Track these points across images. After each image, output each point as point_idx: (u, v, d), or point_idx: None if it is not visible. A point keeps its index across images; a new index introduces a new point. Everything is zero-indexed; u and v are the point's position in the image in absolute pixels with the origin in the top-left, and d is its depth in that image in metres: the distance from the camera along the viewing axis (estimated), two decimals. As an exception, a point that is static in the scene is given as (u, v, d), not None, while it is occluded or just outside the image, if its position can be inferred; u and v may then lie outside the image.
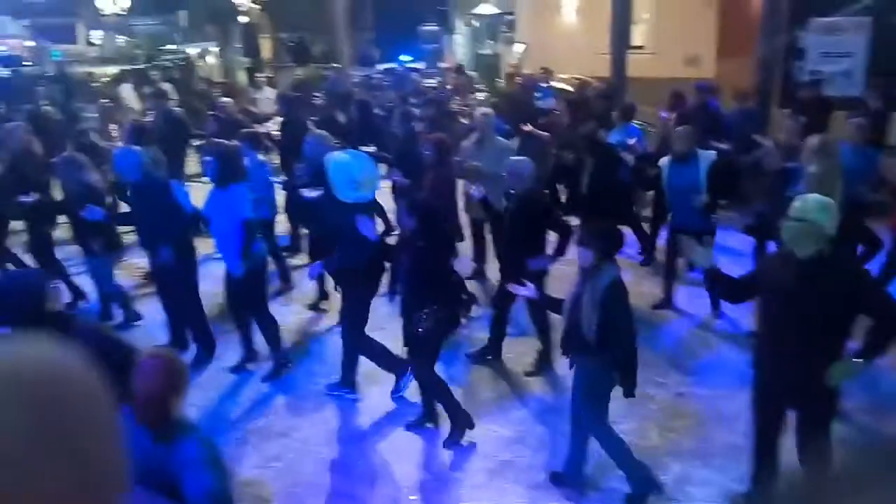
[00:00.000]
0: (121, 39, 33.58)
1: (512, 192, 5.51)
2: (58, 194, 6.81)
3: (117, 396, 2.64)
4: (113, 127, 9.35)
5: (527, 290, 4.60)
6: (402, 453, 4.74)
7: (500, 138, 7.26)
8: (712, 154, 6.41)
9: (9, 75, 20.31)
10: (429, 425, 4.92)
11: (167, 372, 2.66)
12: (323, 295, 6.93)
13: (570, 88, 12.72)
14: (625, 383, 4.02)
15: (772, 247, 5.63)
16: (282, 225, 7.81)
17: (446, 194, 6.48)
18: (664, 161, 6.47)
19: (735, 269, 6.36)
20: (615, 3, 12.47)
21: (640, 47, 14.52)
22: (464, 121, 9.46)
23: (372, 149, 7.87)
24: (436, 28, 16.82)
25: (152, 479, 2.63)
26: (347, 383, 5.37)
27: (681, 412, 5.06)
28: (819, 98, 8.92)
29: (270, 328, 5.74)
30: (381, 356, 5.31)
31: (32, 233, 6.86)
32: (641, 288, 6.76)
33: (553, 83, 12.31)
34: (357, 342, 5.27)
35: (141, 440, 2.70)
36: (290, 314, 6.81)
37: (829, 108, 8.85)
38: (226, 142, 7.90)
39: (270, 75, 15.31)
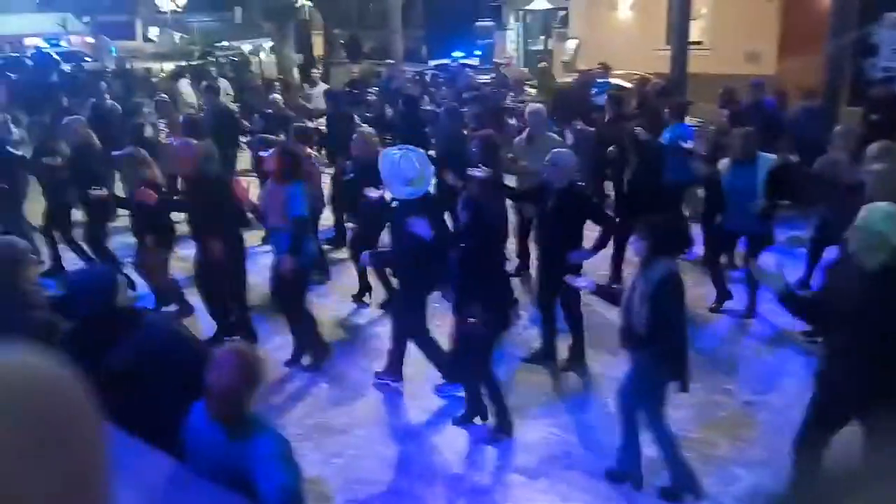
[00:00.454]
0: (177, 36, 34.43)
1: (553, 185, 5.37)
2: (118, 188, 6.94)
3: (189, 391, 2.63)
4: (170, 122, 9.50)
5: (584, 282, 4.45)
6: (455, 450, 4.69)
7: (551, 134, 7.12)
8: (772, 157, 6.21)
9: (72, 71, 20.97)
10: (477, 421, 4.86)
11: (243, 367, 2.64)
12: (366, 287, 6.89)
13: (627, 84, 12.47)
14: (677, 378, 3.95)
15: (829, 253, 5.41)
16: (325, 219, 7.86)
17: (492, 192, 6.42)
18: (724, 162, 6.30)
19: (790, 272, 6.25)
20: (674, -2, 12.14)
21: (697, 43, 14.17)
22: (511, 121, 9.31)
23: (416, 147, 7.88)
24: (491, 24, 16.69)
25: (225, 475, 2.62)
26: (394, 372, 5.37)
27: (749, 421, 4.88)
28: (892, 96, 8.55)
29: (307, 323, 5.77)
30: (435, 352, 5.30)
31: (91, 224, 7.01)
32: (699, 290, 6.56)
33: (610, 79, 12.06)
34: (412, 336, 5.27)
35: (214, 436, 2.70)
36: (332, 306, 6.80)
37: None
38: (272, 137, 8.06)
39: (324, 71, 15.40)
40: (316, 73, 12.98)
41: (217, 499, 2.55)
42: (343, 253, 7.64)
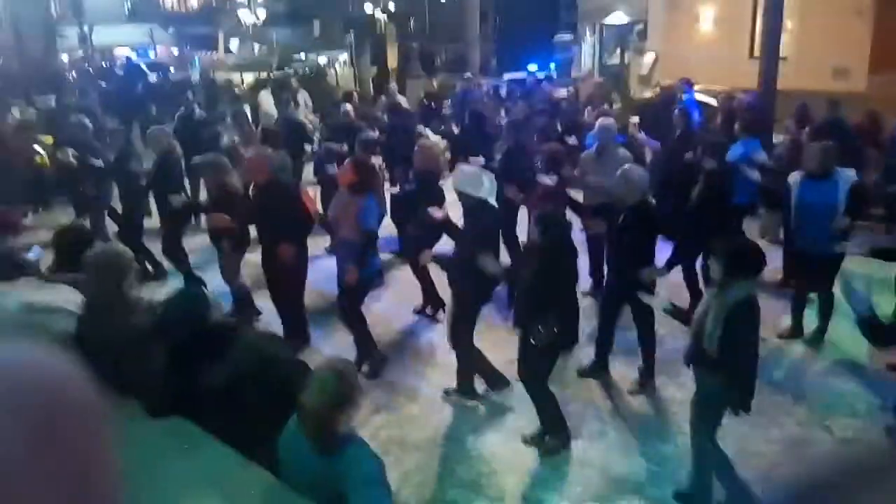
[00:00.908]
0: (256, 47, 35.45)
1: (624, 201, 5.32)
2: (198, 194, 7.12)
3: (284, 407, 2.63)
4: (243, 132, 9.74)
5: (654, 298, 4.41)
6: (527, 470, 4.65)
7: (621, 149, 6.96)
8: (853, 174, 5.87)
9: (158, 81, 21.85)
10: (549, 440, 4.79)
11: (337, 386, 2.63)
12: (432, 299, 6.87)
13: (709, 100, 12.14)
14: (741, 403, 3.90)
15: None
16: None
17: (556, 206, 6.35)
18: (795, 177, 5.96)
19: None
20: (766, 10, 11.76)
21: (782, 57, 13.68)
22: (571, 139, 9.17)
23: (480, 160, 7.88)
24: (569, 37, 16.58)
25: (315, 490, 2.61)
26: (466, 389, 5.36)
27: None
28: None
29: (361, 331, 5.81)
30: (477, 362, 5.33)
31: (168, 229, 7.22)
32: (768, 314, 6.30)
33: (696, 94, 11.76)
34: (462, 345, 5.28)
35: (305, 451, 2.69)
36: (390, 315, 6.84)
37: None
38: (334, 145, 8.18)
39: (400, 84, 15.57)
40: (393, 85, 13.14)
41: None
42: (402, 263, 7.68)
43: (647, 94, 13.90)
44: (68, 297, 3.44)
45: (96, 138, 8.68)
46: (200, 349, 3.08)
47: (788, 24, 14.85)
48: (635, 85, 18.44)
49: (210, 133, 8.52)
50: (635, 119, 10.83)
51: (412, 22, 26.63)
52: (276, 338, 3.84)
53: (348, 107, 9.70)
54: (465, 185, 5.14)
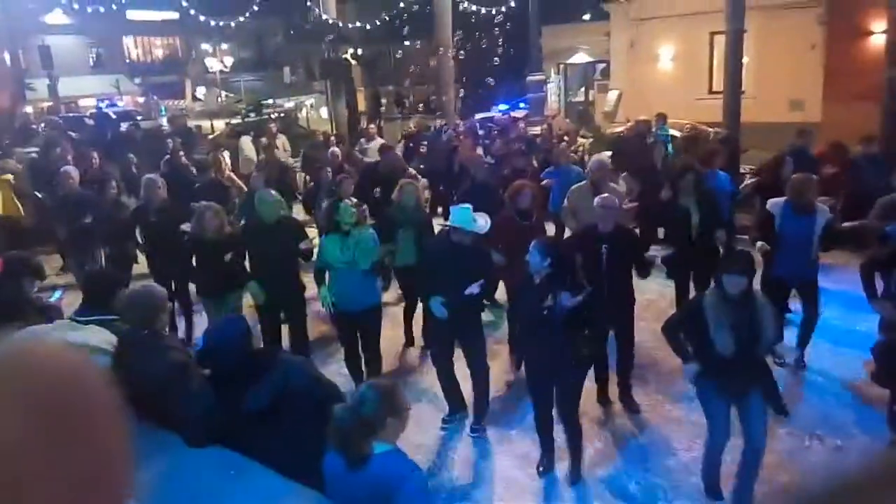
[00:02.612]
0: (223, 94, 35.73)
1: (601, 229, 5.48)
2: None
3: (319, 429, 2.77)
4: (232, 176, 9.87)
5: None
6: (522, 487, 4.81)
7: (613, 185, 7.17)
8: (826, 209, 6.06)
9: (127, 129, 21.87)
10: (573, 467, 4.87)
11: (358, 402, 2.81)
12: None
13: (676, 133, 12.66)
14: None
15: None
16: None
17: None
18: (777, 205, 6.13)
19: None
20: (727, 48, 12.37)
21: (741, 92, 14.34)
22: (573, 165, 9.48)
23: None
24: (541, 77, 17.14)
25: (350, 500, 2.74)
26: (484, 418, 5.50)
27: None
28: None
29: (379, 362, 5.96)
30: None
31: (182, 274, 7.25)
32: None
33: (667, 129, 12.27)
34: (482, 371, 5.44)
35: (338, 466, 2.83)
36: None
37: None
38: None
39: (377, 126, 15.91)
40: (373, 128, 13.42)
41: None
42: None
43: (618, 128, 14.41)
44: (104, 337, 3.54)
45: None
46: (244, 375, 3.21)
47: (746, 60, 15.59)
48: (601, 120, 19.06)
49: (208, 180, 8.58)
50: (607, 153, 11.26)
51: (378, 67, 27.25)
52: (311, 361, 3.96)
53: (335, 150, 9.91)
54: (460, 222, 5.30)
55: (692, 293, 6.47)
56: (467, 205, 5.41)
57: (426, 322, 6.81)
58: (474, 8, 17.32)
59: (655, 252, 5.91)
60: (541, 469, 4.91)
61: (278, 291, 6.04)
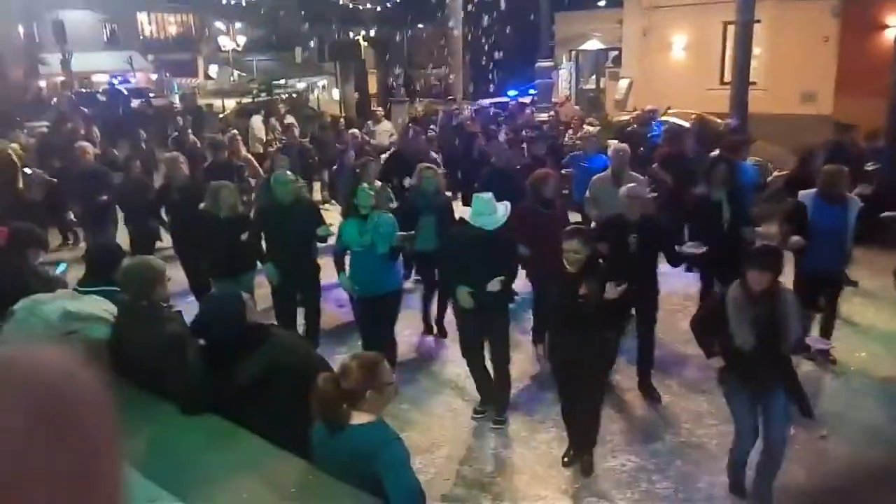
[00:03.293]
0: (236, 73, 35.79)
1: (630, 218, 5.51)
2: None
3: (304, 403, 2.87)
4: (249, 157, 9.95)
5: None
6: (543, 478, 4.83)
7: (633, 174, 7.05)
8: (857, 199, 6.04)
9: (139, 106, 22.00)
10: (587, 456, 4.85)
11: (342, 370, 2.93)
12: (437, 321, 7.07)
13: (684, 123, 12.63)
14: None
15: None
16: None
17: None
18: (808, 196, 6.03)
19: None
20: (736, 39, 12.32)
21: (752, 83, 14.29)
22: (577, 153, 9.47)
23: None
24: (550, 63, 17.10)
25: (349, 476, 2.84)
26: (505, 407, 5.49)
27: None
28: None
29: (394, 349, 5.94)
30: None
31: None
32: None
33: (670, 118, 12.26)
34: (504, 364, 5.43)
35: (322, 433, 2.95)
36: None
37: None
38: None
39: (385, 109, 15.95)
40: (380, 111, 13.46)
41: (340, 493, 2.77)
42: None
43: (625, 116, 14.38)
44: (104, 307, 3.64)
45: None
46: (237, 347, 3.31)
47: (757, 51, 15.49)
48: (611, 109, 19.01)
49: (218, 158, 8.61)
50: (614, 141, 11.27)
51: (390, 49, 27.16)
52: (304, 337, 4.06)
53: (355, 131, 9.94)
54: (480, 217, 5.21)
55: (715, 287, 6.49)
56: (488, 193, 5.30)
57: (442, 311, 6.92)
58: (486, -9, 17.26)
59: (692, 247, 5.82)
60: (566, 460, 4.91)
61: (293, 274, 6.07)
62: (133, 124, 14.75)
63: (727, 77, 16.86)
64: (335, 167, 9.79)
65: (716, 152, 8.32)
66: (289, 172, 6.37)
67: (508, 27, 20.57)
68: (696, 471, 4.78)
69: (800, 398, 4.23)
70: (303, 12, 29.03)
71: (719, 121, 11.48)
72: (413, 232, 6.17)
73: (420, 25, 29.42)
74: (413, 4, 19.17)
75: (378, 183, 7.06)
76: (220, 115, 19.99)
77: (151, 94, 28.14)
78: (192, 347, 3.46)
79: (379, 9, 17.99)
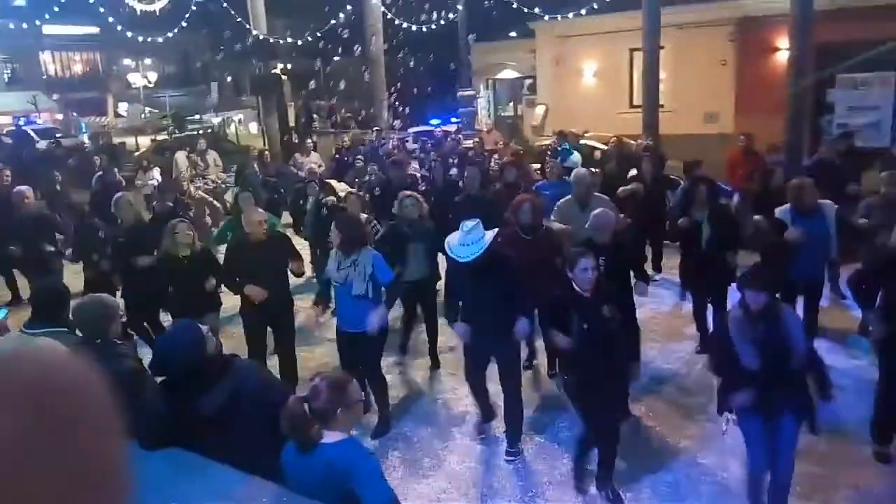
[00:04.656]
0: (146, 110, 34.89)
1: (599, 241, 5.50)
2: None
3: (270, 429, 2.93)
4: (203, 195, 9.80)
5: None
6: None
7: (599, 195, 7.17)
8: (832, 205, 6.29)
9: (48, 147, 21.16)
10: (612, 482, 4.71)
11: (312, 391, 2.99)
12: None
13: (600, 145, 13.23)
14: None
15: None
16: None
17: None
18: (784, 212, 6.22)
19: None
20: (644, 64, 13.05)
21: (660, 106, 15.13)
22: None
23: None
24: (472, 92, 17.58)
25: (322, 495, 2.90)
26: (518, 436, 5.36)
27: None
28: (851, 149, 9.33)
29: (383, 387, 5.78)
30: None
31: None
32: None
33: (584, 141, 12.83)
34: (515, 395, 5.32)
35: (292, 454, 3.00)
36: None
37: (860, 157, 9.29)
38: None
39: (313, 141, 15.98)
40: (310, 143, 13.50)
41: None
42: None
43: (546, 141, 14.92)
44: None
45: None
46: (199, 380, 3.31)
47: (663, 75, 16.40)
48: (529, 134, 19.64)
49: (171, 196, 8.43)
50: (537, 165, 11.70)
51: (308, 82, 27.23)
52: (264, 366, 4.07)
53: (313, 165, 9.89)
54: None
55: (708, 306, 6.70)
56: (473, 220, 5.08)
57: (433, 341, 6.77)
58: (405, 25, 17.64)
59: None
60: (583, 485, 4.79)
61: (267, 311, 5.89)
62: (44, 166, 14.23)
63: (636, 101, 17.76)
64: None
65: (633, 172, 8.84)
66: (260, 209, 6.24)
67: (429, 58, 21.05)
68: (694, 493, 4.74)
69: (810, 416, 4.16)
70: (222, 47, 28.81)
71: (633, 142, 12.08)
72: (399, 267, 6.10)
73: (338, 58, 29.65)
74: (332, 37, 19.37)
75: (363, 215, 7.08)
76: (135, 153, 19.52)
77: (58, 135, 27.12)
78: (150, 382, 3.45)
79: (300, 42, 18.05)
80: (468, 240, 4.96)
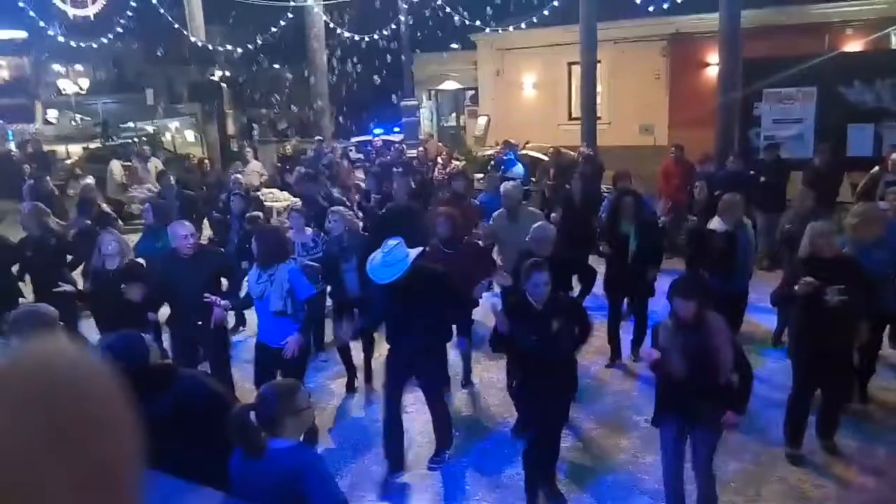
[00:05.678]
0: (77, 118, 33.74)
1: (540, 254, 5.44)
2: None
3: (216, 438, 2.93)
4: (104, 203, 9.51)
5: None
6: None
7: (530, 208, 7.30)
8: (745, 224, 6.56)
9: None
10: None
11: (281, 395, 3.00)
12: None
13: (540, 156, 13.50)
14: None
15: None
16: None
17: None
18: (719, 224, 6.37)
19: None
20: (582, 77, 13.41)
21: (597, 118, 15.57)
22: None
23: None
24: (415, 102, 17.71)
25: (251, 493, 2.91)
26: (447, 448, 5.30)
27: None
28: (777, 160, 9.80)
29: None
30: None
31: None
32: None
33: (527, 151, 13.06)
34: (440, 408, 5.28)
35: (239, 461, 3.00)
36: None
37: (786, 168, 9.76)
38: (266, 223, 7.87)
39: (254, 150, 15.78)
40: (250, 151, 13.33)
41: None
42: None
43: (489, 151, 15.13)
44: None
45: None
46: (142, 389, 3.25)
47: (600, 88, 16.89)
48: (472, 144, 19.88)
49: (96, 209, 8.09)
50: (480, 175, 11.86)
51: (245, 91, 26.89)
52: (209, 375, 4.01)
53: (239, 176, 9.75)
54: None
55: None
56: (395, 239, 4.95)
57: (367, 355, 6.50)
58: (347, 34, 17.63)
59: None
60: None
61: (195, 327, 5.61)
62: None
63: (575, 113, 18.22)
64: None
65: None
66: (186, 222, 5.94)
67: (370, 68, 21.09)
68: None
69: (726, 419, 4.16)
70: (158, 53, 28.18)
71: (572, 153, 12.36)
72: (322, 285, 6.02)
73: (276, 66, 29.37)
74: (273, 47, 19.21)
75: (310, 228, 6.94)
76: (67, 161, 18.89)
77: (-18, 142, 25.95)
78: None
79: (240, 50, 17.83)
80: (390, 259, 4.82)
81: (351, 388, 6.56)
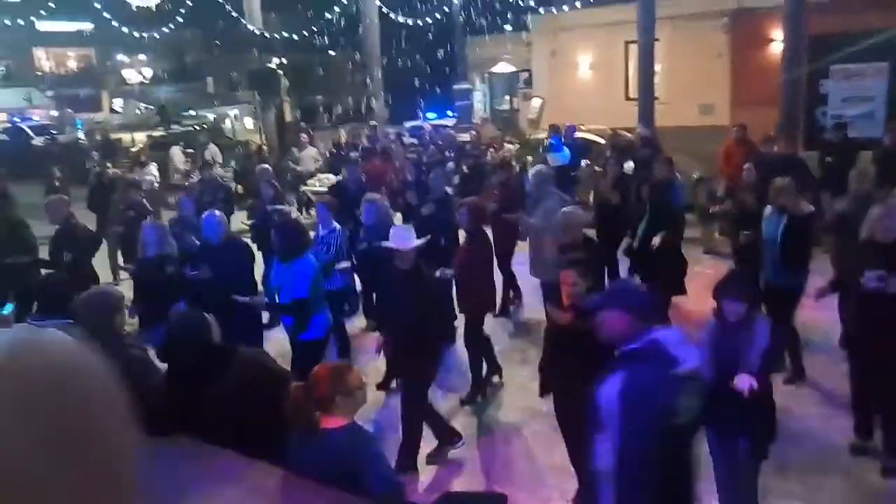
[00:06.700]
0: (142, 106, 34.82)
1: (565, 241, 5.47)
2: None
3: (276, 416, 3.01)
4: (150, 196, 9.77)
5: None
6: None
7: (555, 191, 7.18)
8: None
9: (44, 143, 21.16)
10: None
11: (311, 382, 3.08)
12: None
13: (597, 139, 13.29)
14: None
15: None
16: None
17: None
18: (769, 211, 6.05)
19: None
20: (639, 56, 13.10)
21: (655, 98, 15.18)
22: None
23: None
24: (468, 86, 17.64)
25: (328, 479, 2.98)
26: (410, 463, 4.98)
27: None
28: (844, 140, 9.41)
29: None
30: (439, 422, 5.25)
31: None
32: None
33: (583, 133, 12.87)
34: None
35: (296, 439, 3.10)
36: None
37: (854, 148, 9.36)
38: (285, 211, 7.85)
39: (311, 135, 16.00)
40: (305, 137, 13.53)
41: (324, 496, 2.89)
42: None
43: (541, 134, 14.98)
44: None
45: None
46: (205, 369, 3.37)
47: (658, 67, 16.46)
48: (526, 127, 19.68)
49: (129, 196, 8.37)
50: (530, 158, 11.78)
51: (302, 76, 27.24)
52: (267, 353, 4.11)
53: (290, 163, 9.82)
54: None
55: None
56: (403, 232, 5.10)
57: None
58: (402, 19, 17.67)
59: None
60: None
61: (224, 319, 5.72)
62: (41, 162, 14.27)
63: (632, 93, 17.80)
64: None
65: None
66: (217, 212, 6.10)
67: (423, 52, 21.12)
68: None
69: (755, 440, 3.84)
70: (217, 42, 28.81)
71: (629, 134, 12.13)
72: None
73: (332, 53, 29.63)
74: (327, 32, 19.37)
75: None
76: (132, 149, 19.52)
77: (54, 131, 27.10)
78: (155, 372, 3.50)
79: (296, 37, 18.08)
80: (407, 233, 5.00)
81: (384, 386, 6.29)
